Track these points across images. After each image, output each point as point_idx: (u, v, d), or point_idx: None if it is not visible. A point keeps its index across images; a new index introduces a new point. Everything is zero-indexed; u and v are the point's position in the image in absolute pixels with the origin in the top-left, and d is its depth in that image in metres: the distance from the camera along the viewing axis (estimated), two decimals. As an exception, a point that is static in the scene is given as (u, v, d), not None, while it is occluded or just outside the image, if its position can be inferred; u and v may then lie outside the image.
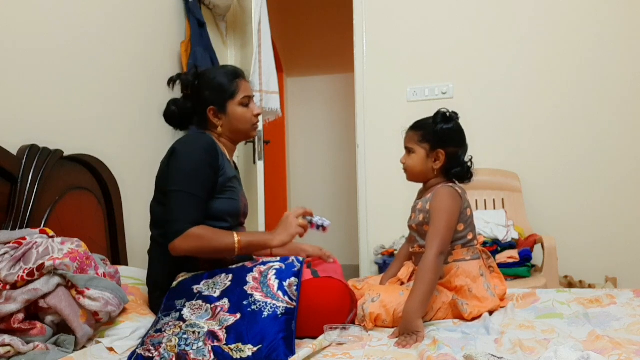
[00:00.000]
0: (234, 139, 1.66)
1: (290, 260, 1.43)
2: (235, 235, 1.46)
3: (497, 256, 2.43)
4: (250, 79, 2.34)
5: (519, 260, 2.39)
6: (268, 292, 1.33)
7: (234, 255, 1.47)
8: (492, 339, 1.33)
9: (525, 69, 2.98)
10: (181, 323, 1.31)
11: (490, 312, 1.52)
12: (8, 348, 1.13)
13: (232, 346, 1.22)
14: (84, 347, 1.26)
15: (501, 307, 1.57)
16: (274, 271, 1.38)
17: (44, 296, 1.21)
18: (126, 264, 2.03)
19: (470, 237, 1.60)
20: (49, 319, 1.24)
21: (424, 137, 1.60)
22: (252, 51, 2.90)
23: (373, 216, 3.18)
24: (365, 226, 3.20)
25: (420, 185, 1.71)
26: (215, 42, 3.08)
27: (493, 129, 3.00)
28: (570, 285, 2.64)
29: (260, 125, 2.94)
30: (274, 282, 1.35)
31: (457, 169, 1.60)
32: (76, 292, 1.26)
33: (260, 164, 2.93)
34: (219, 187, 1.52)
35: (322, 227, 1.58)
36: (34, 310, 1.23)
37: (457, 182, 1.63)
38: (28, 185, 1.56)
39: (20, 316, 1.19)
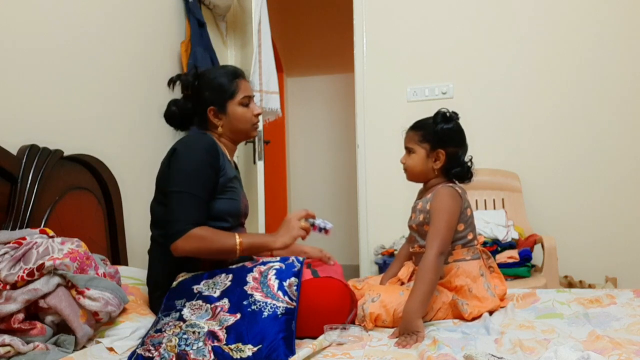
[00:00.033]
0: (234, 139, 1.66)
1: (290, 260, 1.43)
2: (237, 236, 1.46)
3: (497, 256, 2.43)
4: (250, 79, 2.34)
5: (519, 260, 2.39)
6: (268, 292, 1.33)
7: (235, 257, 1.47)
8: (492, 339, 1.33)
9: (525, 69, 2.98)
10: (181, 323, 1.31)
11: (490, 312, 1.52)
12: (8, 348, 1.13)
13: (232, 346, 1.22)
14: (84, 347, 1.26)
15: (501, 307, 1.57)
16: (274, 271, 1.38)
17: (44, 296, 1.21)
18: (126, 264, 2.03)
19: (470, 237, 1.60)
20: (49, 319, 1.24)
21: (424, 137, 1.60)
22: (252, 51, 2.91)
23: (373, 216, 3.18)
24: (365, 226, 3.20)
25: (420, 185, 1.71)
26: (215, 42, 3.08)
27: (493, 129, 3.00)
28: (570, 285, 2.64)
29: (260, 125, 2.94)
30: (274, 282, 1.35)
31: (457, 169, 1.60)
32: (76, 292, 1.26)
33: (260, 164, 2.94)
34: (219, 188, 1.52)
35: (324, 230, 1.57)
36: (34, 310, 1.23)
37: (457, 182, 1.63)
38: (28, 185, 1.56)
39: (20, 316, 1.19)
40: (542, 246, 2.44)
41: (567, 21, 2.94)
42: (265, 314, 1.28)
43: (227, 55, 3.44)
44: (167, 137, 2.38)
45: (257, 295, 1.32)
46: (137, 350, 1.27)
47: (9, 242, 1.28)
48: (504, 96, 3.00)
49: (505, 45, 3.01)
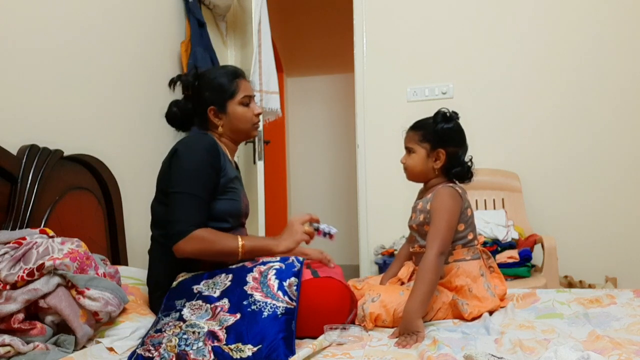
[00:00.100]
0: (235, 138, 1.66)
1: (290, 260, 1.43)
2: (240, 239, 1.46)
3: (497, 256, 2.43)
4: (250, 79, 2.34)
5: (519, 260, 2.39)
6: (268, 292, 1.33)
7: (237, 259, 1.47)
8: (492, 339, 1.33)
9: (525, 68, 2.98)
10: (181, 323, 1.31)
11: (490, 312, 1.52)
12: (8, 348, 1.13)
13: (232, 346, 1.22)
14: (84, 347, 1.26)
15: (501, 307, 1.57)
16: (274, 271, 1.38)
17: (44, 296, 1.21)
18: (126, 264, 2.03)
19: (470, 237, 1.60)
20: (49, 319, 1.23)
21: (425, 137, 1.60)
22: (252, 51, 2.90)
23: (373, 216, 3.18)
24: (365, 226, 3.20)
25: (420, 185, 1.71)
26: (215, 42, 3.08)
27: (493, 129, 3.00)
28: (570, 285, 2.64)
29: (260, 125, 2.94)
30: (274, 282, 1.35)
31: (458, 169, 1.60)
32: (76, 292, 1.26)
33: (260, 164, 2.94)
34: (220, 188, 1.52)
35: (329, 235, 1.57)
36: (34, 310, 1.23)
37: (457, 182, 1.63)
38: (28, 185, 1.56)
39: (20, 316, 1.19)
40: (542, 246, 2.44)
41: (567, 21, 2.94)
42: (265, 314, 1.28)
43: (227, 55, 3.44)
44: (167, 137, 2.38)
45: (257, 295, 1.32)
46: (137, 350, 1.27)
47: (9, 242, 1.28)
48: (504, 96, 3.00)
49: (505, 45, 3.01)
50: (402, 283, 1.71)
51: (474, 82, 3.04)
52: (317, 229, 1.56)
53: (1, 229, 1.48)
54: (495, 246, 2.49)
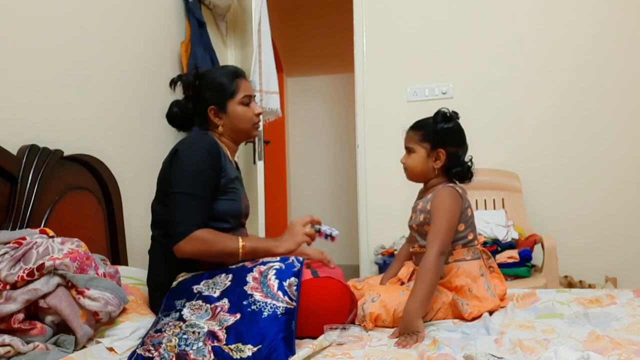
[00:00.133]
0: (235, 138, 1.67)
1: (290, 260, 1.43)
2: (240, 240, 1.46)
3: (497, 256, 2.43)
4: (250, 79, 2.34)
5: (519, 260, 2.39)
6: (268, 292, 1.33)
7: (237, 260, 1.47)
8: (492, 339, 1.33)
9: (525, 68, 2.98)
10: (181, 323, 1.31)
11: (490, 312, 1.52)
12: (8, 348, 1.13)
13: (232, 346, 1.22)
14: (84, 347, 1.26)
15: (501, 307, 1.57)
16: (274, 271, 1.38)
17: (44, 296, 1.21)
18: (126, 264, 2.03)
19: (470, 237, 1.60)
20: (49, 319, 1.23)
21: (425, 137, 1.60)
22: (252, 51, 2.90)
23: (373, 216, 3.18)
24: (365, 226, 3.20)
25: (420, 185, 1.71)
26: (215, 42, 3.08)
27: (493, 129, 3.00)
28: (570, 285, 2.64)
29: (260, 125, 2.94)
30: (273, 282, 1.35)
31: (458, 169, 1.60)
32: (76, 292, 1.26)
33: (260, 164, 2.94)
34: (221, 188, 1.52)
35: (330, 237, 1.57)
36: (34, 310, 1.23)
37: (457, 182, 1.63)
38: (28, 185, 1.56)
39: (20, 316, 1.19)
40: (542, 246, 2.44)
41: (567, 21, 2.94)
42: (265, 314, 1.28)
43: (227, 55, 3.44)
44: (167, 137, 2.38)
45: (257, 295, 1.32)
46: (137, 350, 1.27)
47: (9, 242, 1.28)
48: (504, 96, 3.00)
49: (505, 45, 3.01)
50: (402, 283, 1.71)
51: (474, 82, 3.04)
52: (318, 231, 1.56)
53: (1, 229, 1.48)
54: (495, 246, 2.49)
